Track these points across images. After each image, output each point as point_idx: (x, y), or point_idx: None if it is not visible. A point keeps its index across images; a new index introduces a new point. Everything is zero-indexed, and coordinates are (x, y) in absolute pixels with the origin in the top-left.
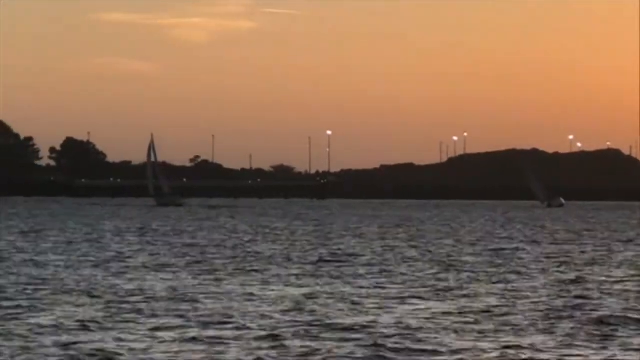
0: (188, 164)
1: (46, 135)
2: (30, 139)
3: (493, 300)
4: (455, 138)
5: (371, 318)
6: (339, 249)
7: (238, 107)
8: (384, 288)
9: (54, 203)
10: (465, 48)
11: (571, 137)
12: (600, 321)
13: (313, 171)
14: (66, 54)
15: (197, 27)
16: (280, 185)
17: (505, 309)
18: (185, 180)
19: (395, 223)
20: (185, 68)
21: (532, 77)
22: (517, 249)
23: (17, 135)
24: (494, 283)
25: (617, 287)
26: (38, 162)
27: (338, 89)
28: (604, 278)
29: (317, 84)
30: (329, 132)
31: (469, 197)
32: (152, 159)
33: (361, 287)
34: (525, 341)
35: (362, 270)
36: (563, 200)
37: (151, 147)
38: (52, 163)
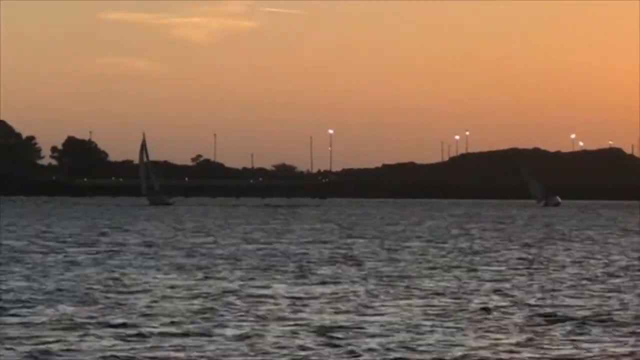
0: (190, 163)
1: (48, 135)
2: (32, 138)
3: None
4: (456, 137)
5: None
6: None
7: (240, 106)
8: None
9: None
10: (467, 48)
11: (573, 136)
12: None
13: (315, 170)
14: (67, 53)
15: (198, 27)
16: (282, 184)
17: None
18: (187, 179)
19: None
20: (186, 67)
21: (533, 77)
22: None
23: (18, 135)
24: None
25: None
26: (40, 162)
27: (339, 88)
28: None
29: (318, 83)
30: (331, 131)
31: (470, 196)
32: (145, 158)
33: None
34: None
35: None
36: (559, 199)
37: (143, 146)
38: (54, 162)
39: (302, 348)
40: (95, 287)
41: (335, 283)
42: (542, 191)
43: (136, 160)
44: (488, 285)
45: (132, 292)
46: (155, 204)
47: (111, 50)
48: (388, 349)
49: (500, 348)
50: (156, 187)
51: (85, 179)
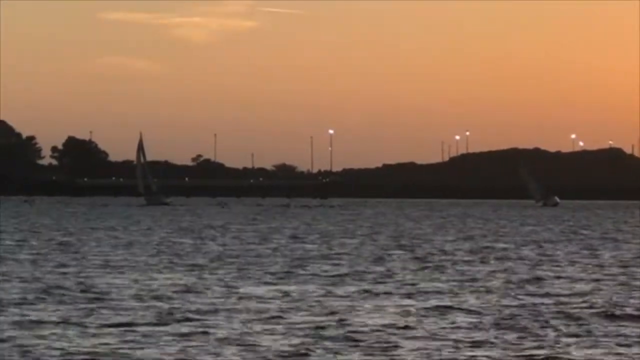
0: (190, 163)
1: (48, 135)
2: (32, 138)
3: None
4: (457, 137)
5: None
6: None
7: (240, 106)
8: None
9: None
10: (467, 48)
11: (573, 136)
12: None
13: (315, 170)
14: (68, 53)
15: (198, 27)
16: (283, 184)
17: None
18: (187, 179)
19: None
20: (187, 67)
21: (534, 77)
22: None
23: (19, 135)
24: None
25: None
26: (40, 161)
27: (340, 88)
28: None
29: (318, 83)
30: (331, 131)
31: (471, 196)
32: (142, 158)
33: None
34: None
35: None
36: (558, 199)
37: (140, 146)
38: (54, 162)
39: (278, 349)
40: (83, 287)
41: (313, 283)
42: (541, 191)
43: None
44: (466, 285)
45: (114, 292)
46: (152, 204)
47: (111, 50)
48: (367, 349)
49: (466, 346)
50: (153, 187)
51: (85, 179)
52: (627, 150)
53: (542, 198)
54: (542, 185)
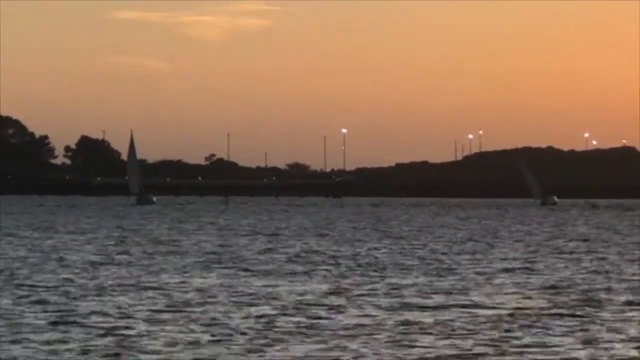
0: (203, 162)
1: (61, 134)
2: (45, 137)
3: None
4: (470, 136)
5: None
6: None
7: (253, 105)
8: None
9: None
10: (481, 46)
11: (586, 134)
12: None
13: (328, 169)
14: (81, 52)
15: (210, 26)
16: (296, 183)
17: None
18: (200, 178)
19: None
20: (199, 66)
21: (547, 75)
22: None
23: (32, 134)
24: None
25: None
26: (53, 161)
27: (353, 87)
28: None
29: (332, 82)
30: (344, 131)
31: (484, 195)
32: (133, 157)
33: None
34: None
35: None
36: (556, 199)
37: (132, 145)
38: (67, 161)
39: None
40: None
41: (286, 281)
42: (540, 190)
43: (150, 160)
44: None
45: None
46: (143, 204)
47: (124, 49)
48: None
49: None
50: (141, 187)
51: (98, 178)
52: None
53: (541, 197)
54: (541, 184)
